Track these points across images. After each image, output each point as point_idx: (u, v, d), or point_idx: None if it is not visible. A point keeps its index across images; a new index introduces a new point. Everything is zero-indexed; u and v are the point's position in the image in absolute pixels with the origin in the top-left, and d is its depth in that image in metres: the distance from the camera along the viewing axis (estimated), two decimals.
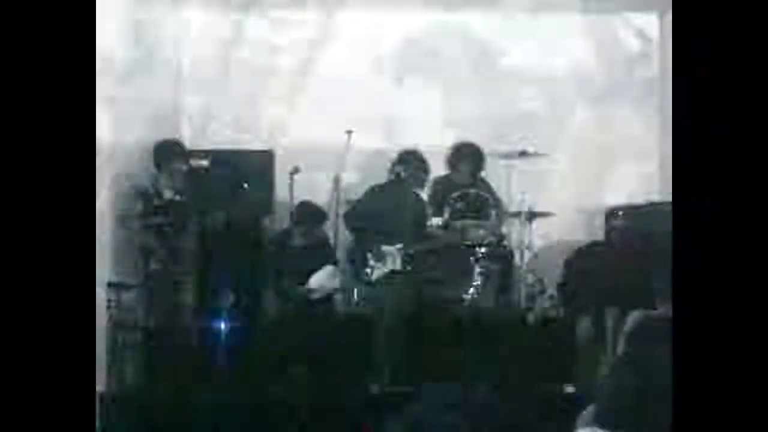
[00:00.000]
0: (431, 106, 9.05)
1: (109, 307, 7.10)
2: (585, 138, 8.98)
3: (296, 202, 7.87)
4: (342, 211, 7.99)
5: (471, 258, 7.79)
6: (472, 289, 7.76)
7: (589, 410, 3.24)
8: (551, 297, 8.10)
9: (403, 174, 7.79)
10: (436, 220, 7.87)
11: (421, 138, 8.21)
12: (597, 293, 7.56)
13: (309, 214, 7.94)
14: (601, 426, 3.11)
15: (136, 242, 7.38)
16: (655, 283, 6.79)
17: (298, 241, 7.95)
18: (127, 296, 7.26)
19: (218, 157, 8.41)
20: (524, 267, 8.07)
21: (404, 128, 8.78)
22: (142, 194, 7.37)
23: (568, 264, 8.15)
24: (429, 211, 7.94)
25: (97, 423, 6.49)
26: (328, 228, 8.06)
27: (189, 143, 8.02)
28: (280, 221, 8.39)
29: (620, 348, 6.51)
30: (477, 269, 7.79)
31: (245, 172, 8.04)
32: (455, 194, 7.88)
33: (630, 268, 7.52)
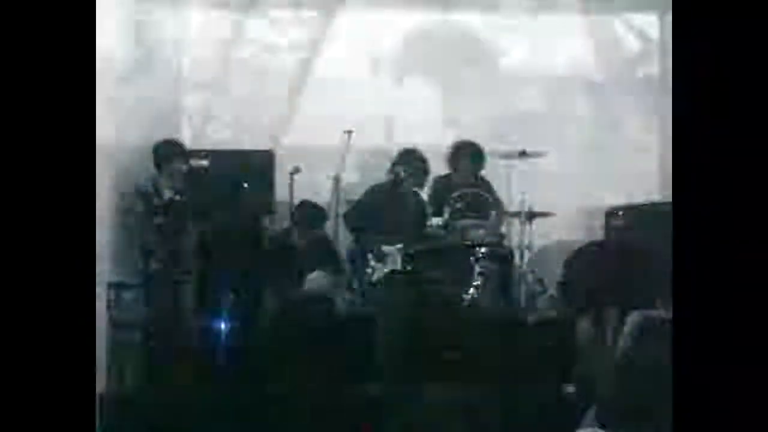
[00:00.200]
0: (431, 105, 9.06)
1: (109, 307, 7.10)
2: (585, 138, 8.98)
3: (296, 202, 7.87)
4: (342, 211, 7.99)
5: (471, 258, 7.79)
6: (472, 289, 7.76)
7: (591, 414, 3.24)
8: (551, 297, 8.10)
9: (402, 174, 7.79)
10: (436, 220, 7.87)
11: (420, 138, 8.21)
12: (597, 293, 7.56)
13: (309, 214, 7.95)
14: (602, 426, 3.11)
15: (136, 242, 7.38)
16: (655, 283, 6.79)
17: (298, 241, 7.95)
18: (127, 296, 7.26)
19: (218, 157, 8.41)
20: (524, 267, 8.07)
21: (404, 128, 8.79)
22: (142, 194, 7.37)
23: (568, 264, 8.15)
24: (429, 210, 7.95)
25: (97, 423, 6.49)
26: (328, 228, 8.06)
27: (189, 143, 8.02)
28: (280, 221, 8.39)
29: (620, 348, 6.53)
30: (477, 269, 7.79)
31: (245, 172, 8.04)
32: (455, 194, 7.88)
33: (630, 268, 7.52)
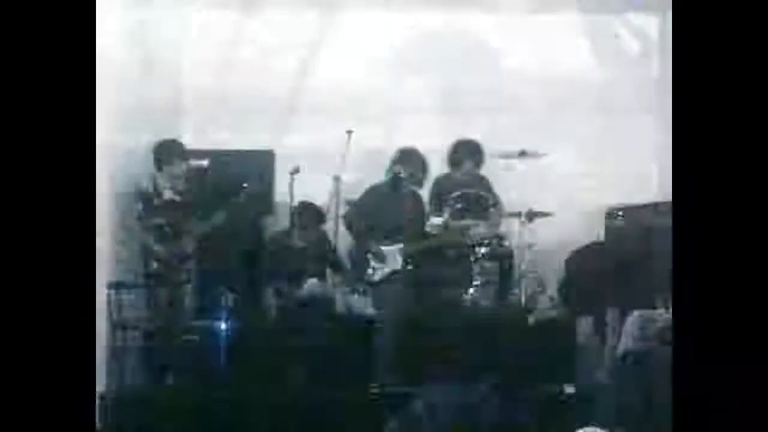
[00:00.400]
0: (431, 105, 9.06)
1: (109, 307, 7.10)
2: (585, 138, 8.98)
3: (296, 202, 7.86)
4: (342, 211, 7.98)
5: (471, 258, 7.79)
6: (472, 289, 7.76)
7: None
8: (551, 297, 8.10)
9: (402, 173, 7.79)
10: (436, 220, 7.87)
11: (420, 138, 8.20)
12: (597, 293, 7.56)
13: (308, 214, 7.94)
14: (602, 426, 3.12)
15: (136, 242, 7.38)
16: (654, 283, 6.79)
17: (297, 241, 7.95)
18: (127, 296, 7.26)
19: (218, 157, 8.41)
20: (524, 267, 8.07)
21: (404, 128, 8.78)
22: (142, 194, 7.36)
23: (568, 264, 8.16)
24: (428, 210, 7.94)
25: (97, 423, 6.49)
26: (328, 228, 8.05)
27: (189, 143, 8.01)
28: (280, 221, 8.39)
29: (621, 348, 6.54)
30: (477, 269, 7.80)
31: (245, 172, 8.04)
32: (455, 194, 7.88)
33: (630, 268, 7.52)
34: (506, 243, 8.09)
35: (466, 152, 8.01)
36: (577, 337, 7.48)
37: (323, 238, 8.06)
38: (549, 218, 8.27)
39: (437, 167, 8.05)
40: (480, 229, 7.83)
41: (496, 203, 7.99)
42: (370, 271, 7.66)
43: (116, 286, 7.16)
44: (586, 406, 6.33)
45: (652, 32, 9.24)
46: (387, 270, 7.65)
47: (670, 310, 6.13)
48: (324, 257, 8.04)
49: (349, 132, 8.14)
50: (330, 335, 7.44)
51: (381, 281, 7.64)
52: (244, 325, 7.52)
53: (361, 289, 7.79)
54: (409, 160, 7.82)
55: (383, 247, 7.67)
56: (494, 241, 7.91)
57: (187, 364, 7.28)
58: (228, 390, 7.05)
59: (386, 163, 7.88)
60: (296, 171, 7.80)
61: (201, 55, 8.97)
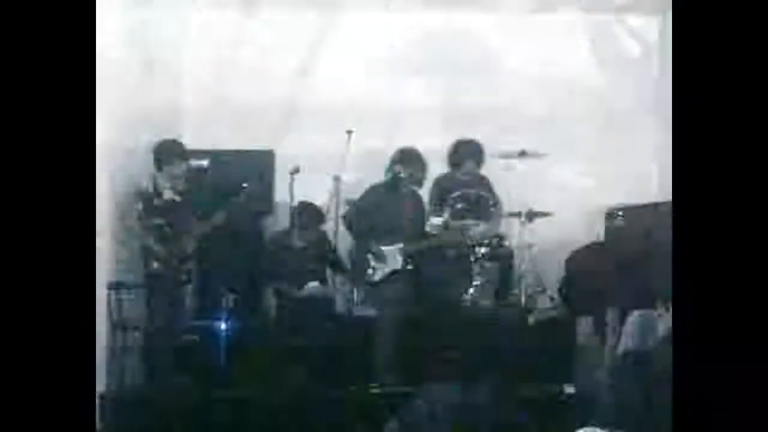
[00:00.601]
0: (431, 105, 9.06)
1: (109, 307, 7.10)
2: (585, 138, 8.98)
3: (296, 202, 7.87)
4: (342, 211, 7.98)
5: (471, 258, 7.80)
6: (472, 289, 7.77)
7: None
8: (551, 297, 8.11)
9: (402, 173, 7.79)
10: (436, 220, 7.87)
11: (420, 138, 8.20)
12: (597, 293, 7.56)
13: (308, 214, 7.95)
14: (602, 426, 3.12)
15: (136, 242, 7.38)
16: (655, 283, 6.79)
17: (297, 241, 7.96)
18: (127, 296, 7.26)
19: (218, 157, 8.42)
20: (524, 267, 8.07)
21: (404, 128, 8.78)
22: (142, 194, 7.37)
23: (568, 264, 8.16)
24: (428, 210, 7.94)
25: (97, 423, 6.49)
26: (328, 228, 8.06)
27: (189, 143, 8.01)
28: (280, 221, 8.39)
29: (621, 348, 6.54)
30: (477, 269, 7.80)
31: (245, 172, 8.04)
32: (455, 194, 7.89)
33: (630, 268, 7.52)
34: (506, 243, 8.10)
35: (466, 152, 8.01)
36: (577, 337, 7.49)
37: (323, 238, 8.07)
38: (549, 218, 8.29)
39: (437, 167, 8.05)
40: (480, 229, 7.83)
41: (497, 203, 8.00)
42: (370, 271, 7.66)
43: (116, 286, 7.17)
44: (586, 406, 6.33)
45: (652, 33, 9.25)
46: (387, 270, 7.64)
47: (670, 310, 6.13)
48: (324, 257, 8.05)
49: (349, 132, 8.14)
50: (330, 335, 7.45)
51: (381, 281, 7.64)
52: (244, 325, 7.53)
53: (360, 289, 7.80)
54: (409, 160, 7.81)
55: (383, 247, 7.67)
56: (494, 241, 7.92)
57: (187, 364, 7.29)
58: (228, 390, 7.06)
59: (386, 163, 7.87)
60: (296, 171, 7.80)
61: (201, 55, 8.99)
